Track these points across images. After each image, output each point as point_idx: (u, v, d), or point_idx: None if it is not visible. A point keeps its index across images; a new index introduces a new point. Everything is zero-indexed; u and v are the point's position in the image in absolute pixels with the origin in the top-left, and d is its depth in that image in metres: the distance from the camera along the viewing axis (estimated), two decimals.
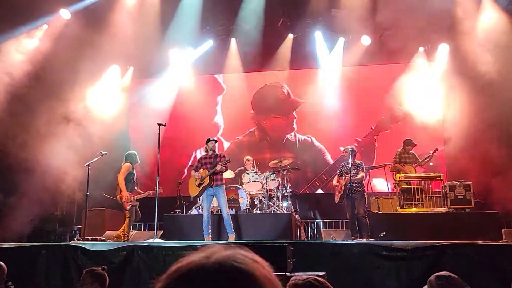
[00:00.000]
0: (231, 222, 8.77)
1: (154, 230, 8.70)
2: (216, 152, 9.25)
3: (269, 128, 14.01)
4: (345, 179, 9.13)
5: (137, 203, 9.47)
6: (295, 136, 13.80)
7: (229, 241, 8.51)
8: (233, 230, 8.77)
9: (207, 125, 13.97)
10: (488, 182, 10.62)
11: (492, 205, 10.22)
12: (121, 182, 9.28)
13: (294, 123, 13.88)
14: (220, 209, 9.07)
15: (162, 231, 9.49)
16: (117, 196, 9.36)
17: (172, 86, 14.21)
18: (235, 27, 13.60)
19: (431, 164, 11.27)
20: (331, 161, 13.24)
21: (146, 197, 9.52)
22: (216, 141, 9.28)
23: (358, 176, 9.03)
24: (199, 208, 10.09)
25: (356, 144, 12.37)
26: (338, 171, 9.58)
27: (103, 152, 9.45)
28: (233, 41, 13.90)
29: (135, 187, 9.54)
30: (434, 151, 10.50)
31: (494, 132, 11.68)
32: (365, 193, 9.31)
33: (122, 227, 9.35)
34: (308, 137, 13.68)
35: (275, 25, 13.46)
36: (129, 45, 12.31)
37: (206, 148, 9.18)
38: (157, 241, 8.19)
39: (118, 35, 12.00)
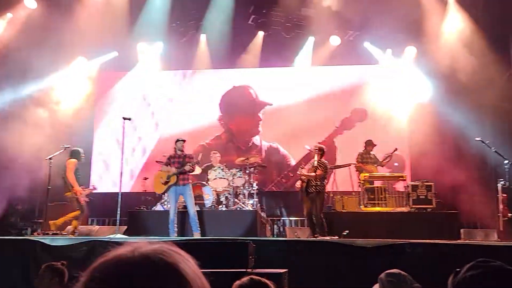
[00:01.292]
0: (197, 220, 8.78)
1: (116, 225, 8.59)
2: (185, 152, 9.25)
3: (235, 130, 14.00)
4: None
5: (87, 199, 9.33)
6: (260, 142, 13.82)
7: (194, 237, 8.50)
8: (199, 228, 8.75)
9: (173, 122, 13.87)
10: (449, 183, 10.87)
11: (453, 205, 10.46)
12: (72, 178, 9.12)
13: (260, 125, 13.89)
14: (185, 206, 9.03)
15: (126, 227, 9.37)
16: (69, 193, 9.14)
17: (139, 80, 14.03)
18: (205, 23, 13.52)
19: (396, 164, 11.48)
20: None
21: (91, 192, 9.42)
22: (184, 141, 9.28)
23: (313, 173, 9.13)
24: (164, 204, 10.01)
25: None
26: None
27: (65, 146, 9.27)
28: (202, 37, 13.80)
29: None
30: (393, 151, 10.66)
31: (456, 134, 11.99)
32: (325, 192, 9.34)
33: (75, 223, 9.14)
34: (273, 143, 13.72)
35: (245, 22, 13.45)
36: (96, 37, 12.09)
37: (174, 148, 9.21)
38: (120, 236, 8.08)
39: (85, 27, 11.78)
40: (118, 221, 8.46)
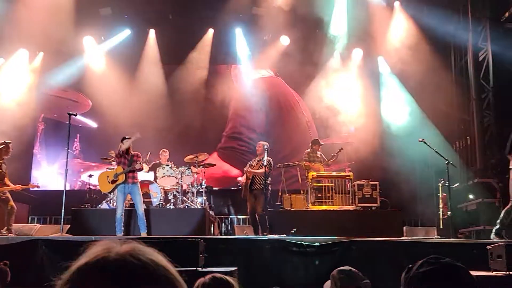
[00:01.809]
0: (145, 220, 8.63)
1: (60, 224, 8.30)
2: (132, 151, 8.98)
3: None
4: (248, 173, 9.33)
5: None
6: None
7: (141, 234, 8.38)
8: (146, 228, 8.60)
9: (121, 118, 13.57)
10: (393, 182, 11.23)
11: (396, 203, 10.80)
12: None
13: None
14: (133, 205, 8.86)
15: (69, 225, 9.08)
16: None
17: (85, 74, 13.64)
18: (155, 18, 13.32)
19: (352, 162, 11.69)
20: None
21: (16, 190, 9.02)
22: (131, 139, 8.92)
23: (259, 171, 9.22)
24: (110, 202, 9.78)
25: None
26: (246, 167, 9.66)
27: (6, 142, 8.87)
28: (151, 32, 13.59)
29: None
30: (339, 151, 10.86)
31: (400, 134, 12.40)
32: (268, 191, 9.42)
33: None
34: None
35: (196, 19, 13.35)
36: (40, 29, 11.64)
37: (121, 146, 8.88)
38: (64, 236, 7.83)
39: (29, 19, 11.32)
40: (62, 219, 8.17)
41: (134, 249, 0.83)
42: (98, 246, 0.84)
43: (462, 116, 12.26)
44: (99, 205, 10.08)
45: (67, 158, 8.41)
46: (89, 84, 13.58)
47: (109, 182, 8.76)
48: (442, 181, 10.07)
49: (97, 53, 13.56)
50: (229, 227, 12.73)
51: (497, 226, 7.14)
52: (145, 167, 10.56)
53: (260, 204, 9.18)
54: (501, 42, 10.90)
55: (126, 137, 8.94)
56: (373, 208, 10.05)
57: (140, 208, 8.66)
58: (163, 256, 0.88)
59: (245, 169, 9.64)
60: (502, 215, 7.12)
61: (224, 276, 2.19)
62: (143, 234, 8.51)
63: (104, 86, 13.45)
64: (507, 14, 10.73)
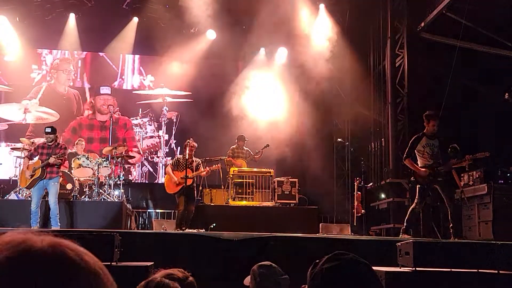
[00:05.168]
0: (58, 214, 8.11)
1: None
2: (58, 142, 8.44)
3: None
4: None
5: None
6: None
7: (53, 228, 7.93)
8: (59, 223, 8.07)
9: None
10: (312, 179, 11.52)
11: (314, 201, 11.09)
12: None
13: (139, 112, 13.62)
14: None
15: None
16: None
17: None
18: (75, 1, 12.72)
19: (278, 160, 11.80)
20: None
21: None
22: (52, 132, 8.32)
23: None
24: (19, 193, 9.24)
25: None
26: (173, 164, 9.32)
27: None
28: (71, 16, 12.97)
29: None
30: (264, 147, 10.97)
31: (320, 134, 12.75)
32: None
33: None
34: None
35: (120, 6, 12.92)
36: None
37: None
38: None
39: None
40: None
41: (56, 242, 0.78)
42: (11, 239, 0.77)
43: (379, 119, 12.81)
44: (7, 196, 9.49)
45: None
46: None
47: (27, 177, 8.20)
48: (358, 180, 10.48)
49: (11, 34, 12.72)
50: (146, 221, 12.46)
51: (405, 224, 7.53)
52: None
53: (194, 199, 9.09)
54: (417, 50, 11.52)
55: (50, 127, 8.36)
56: (291, 204, 10.25)
57: (54, 202, 8.13)
58: (86, 250, 0.83)
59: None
60: (408, 214, 7.51)
61: (171, 282, 2.10)
62: (55, 229, 7.96)
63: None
64: (423, 24, 11.34)
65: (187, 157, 8.78)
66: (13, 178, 9.82)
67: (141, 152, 13.57)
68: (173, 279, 2.01)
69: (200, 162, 9.31)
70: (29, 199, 9.04)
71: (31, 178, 8.16)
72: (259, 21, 11.71)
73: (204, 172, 9.13)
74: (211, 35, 13.26)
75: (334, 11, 12.78)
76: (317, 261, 1.59)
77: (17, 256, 0.74)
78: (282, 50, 13.58)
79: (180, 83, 13.71)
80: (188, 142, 8.97)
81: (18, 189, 9.36)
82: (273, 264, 3.07)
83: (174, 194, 9.01)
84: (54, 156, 8.07)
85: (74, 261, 0.76)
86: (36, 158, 8.31)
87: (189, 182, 8.78)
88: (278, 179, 10.41)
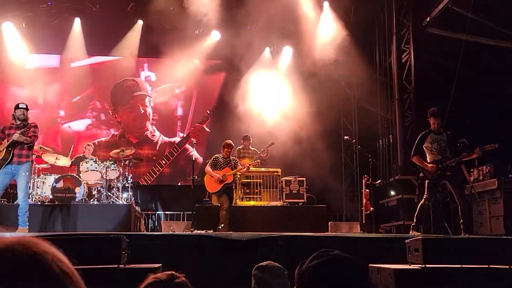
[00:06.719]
0: (28, 211, 7.20)
1: None
2: (28, 122, 7.29)
3: (124, 123, 13.60)
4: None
5: None
6: (159, 137, 13.62)
7: (49, 233, 7.68)
8: (27, 223, 7.16)
9: (49, 111, 12.99)
10: (319, 178, 11.48)
11: (322, 199, 11.05)
12: None
13: (149, 118, 13.68)
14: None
15: None
16: None
17: (4, 62, 12.88)
18: (81, 6, 12.78)
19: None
20: (198, 157, 13.02)
21: None
22: (26, 108, 7.37)
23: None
24: (29, 197, 9.26)
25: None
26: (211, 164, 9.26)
27: None
28: (77, 21, 13.02)
29: None
30: (270, 145, 10.90)
31: (327, 132, 12.70)
32: None
33: None
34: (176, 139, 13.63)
35: (124, 9, 12.96)
36: None
37: (13, 115, 7.33)
38: None
39: None
40: None
41: (25, 240, 0.77)
42: None
43: (386, 115, 12.74)
44: (17, 200, 9.52)
45: None
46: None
47: None
48: (366, 178, 10.42)
49: (18, 41, 12.81)
50: (156, 223, 12.49)
51: (415, 221, 7.47)
52: (67, 160, 10.12)
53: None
54: (423, 45, 11.44)
55: (20, 104, 7.37)
56: (300, 204, 10.21)
57: (22, 195, 7.14)
58: (61, 252, 0.82)
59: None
60: (417, 210, 7.46)
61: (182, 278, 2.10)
62: (22, 229, 7.02)
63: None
64: (428, 19, 11.25)
65: (225, 156, 9.07)
66: None
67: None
68: (158, 285, 1.99)
69: (237, 160, 9.46)
70: (39, 203, 9.09)
71: None
72: (263, 20, 11.68)
73: (244, 169, 9.33)
74: (215, 35, 13.26)
75: (338, 8, 12.73)
76: (303, 261, 1.61)
77: None
78: (287, 49, 13.55)
79: (185, 84, 13.70)
80: (226, 141, 9.19)
81: (28, 193, 9.38)
82: (272, 263, 3.06)
83: (215, 193, 9.10)
84: (18, 132, 6.98)
85: (38, 259, 0.75)
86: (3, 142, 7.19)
87: (230, 179, 8.96)
88: (286, 178, 10.38)
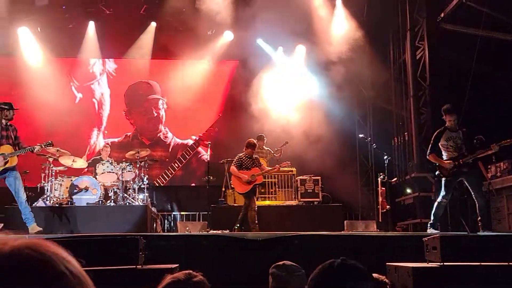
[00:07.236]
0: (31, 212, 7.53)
1: None
2: (11, 124, 7.42)
3: (138, 125, 13.70)
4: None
5: None
6: (172, 138, 13.72)
7: (58, 235, 7.91)
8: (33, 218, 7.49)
9: (66, 110, 13.13)
10: (335, 177, 11.43)
11: (338, 198, 11.00)
12: None
13: (162, 119, 13.78)
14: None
15: (2, 224, 8.64)
16: None
17: (21, 66, 13.04)
18: (94, 9, 12.90)
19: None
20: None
21: None
22: (12, 109, 7.42)
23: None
24: (47, 200, 9.39)
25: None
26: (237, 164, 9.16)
27: None
28: (91, 24, 13.15)
29: None
30: (284, 144, 10.89)
31: (341, 130, 12.65)
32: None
33: None
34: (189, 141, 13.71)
35: (137, 12, 13.05)
36: None
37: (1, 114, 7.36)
38: None
39: None
40: None
41: (33, 242, 0.78)
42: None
43: (401, 112, 12.64)
44: (35, 203, 9.65)
45: None
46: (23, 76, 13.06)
47: None
48: (381, 176, 10.36)
49: (34, 45, 12.98)
50: (172, 224, 12.56)
51: (432, 219, 7.41)
52: (83, 162, 10.23)
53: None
54: (437, 41, 11.33)
55: (6, 105, 7.36)
56: (315, 203, 10.19)
57: (23, 195, 7.43)
58: (70, 255, 0.83)
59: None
60: (434, 208, 7.40)
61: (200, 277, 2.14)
62: (34, 227, 7.46)
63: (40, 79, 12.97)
64: (442, 15, 11.14)
65: (249, 155, 8.99)
66: (40, 186, 9.94)
67: None
68: (176, 284, 2.02)
69: (259, 158, 9.42)
70: (57, 205, 9.19)
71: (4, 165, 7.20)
72: (276, 19, 11.67)
73: (275, 170, 9.33)
74: (228, 35, 13.29)
75: (351, 5, 12.66)
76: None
77: None
78: (300, 48, 13.51)
79: (198, 85, 13.73)
80: (250, 140, 9.11)
81: (45, 196, 9.51)
82: (288, 262, 3.07)
83: (243, 194, 9.02)
84: (39, 144, 7.40)
85: (46, 260, 0.76)
86: None
87: (260, 180, 8.92)
88: (301, 177, 10.36)
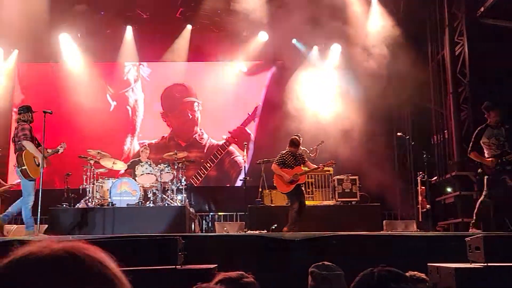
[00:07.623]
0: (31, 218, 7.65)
1: (37, 224, 8.13)
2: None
3: (175, 127, 13.91)
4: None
5: None
6: (207, 139, 13.88)
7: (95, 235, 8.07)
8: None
9: (104, 115, 13.45)
10: (373, 176, 11.28)
11: (376, 197, 10.86)
12: None
13: (198, 121, 13.94)
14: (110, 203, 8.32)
15: (46, 226, 8.92)
16: None
17: (63, 72, 13.44)
18: (132, 14, 13.16)
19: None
20: (242, 162, 13.12)
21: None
22: (29, 111, 7.73)
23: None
24: (89, 201, 9.63)
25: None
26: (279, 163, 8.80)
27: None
28: (128, 29, 13.43)
29: None
30: (319, 144, 10.78)
31: (379, 128, 12.48)
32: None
33: None
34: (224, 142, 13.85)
35: (173, 15, 13.24)
36: (14, 26, 11.40)
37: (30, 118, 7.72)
38: (40, 236, 7.66)
39: (1, 16, 11.09)
40: (38, 220, 7.99)
41: (72, 245, 0.80)
42: (39, 242, 0.81)
43: (440, 110, 12.38)
44: (77, 204, 9.92)
45: (42, 157, 8.19)
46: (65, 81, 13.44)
47: (37, 165, 7.66)
48: (421, 175, 10.16)
49: (75, 51, 13.36)
50: (209, 224, 12.67)
51: (474, 218, 7.23)
52: (123, 164, 10.45)
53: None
54: (477, 36, 11.03)
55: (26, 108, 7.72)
56: (353, 202, 10.09)
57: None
58: (109, 257, 0.85)
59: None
60: (477, 207, 7.22)
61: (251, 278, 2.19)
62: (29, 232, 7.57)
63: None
64: (482, 9, 10.84)
65: (292, 153, 8.60)
66: (82, 187, 10.19)
67: None
68: (228, 281, 2.05)
69: (303, 156, 9.08)
70: (98, 206, 9.43)
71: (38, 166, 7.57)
72: (311, 19, 11.62)
73: (319, 169, 9.04)
74: (263, 36, 13.32)
75: (387, 2, 12.48)
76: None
77: (24, 257, 0.77)
78: (335, 47, 13.41)
79: (233, 86, 13.81)
80: (293, 138, 8.80)
81: (88, 197, 9.75)
82: (326, 262, 3.07)
83: (286, 194, 8.74)
84: (64, 145, 7.82)
85: (81, 264, 0.78)
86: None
87: (303, 179, 8.61)
88: (338, 177, 10.28)
